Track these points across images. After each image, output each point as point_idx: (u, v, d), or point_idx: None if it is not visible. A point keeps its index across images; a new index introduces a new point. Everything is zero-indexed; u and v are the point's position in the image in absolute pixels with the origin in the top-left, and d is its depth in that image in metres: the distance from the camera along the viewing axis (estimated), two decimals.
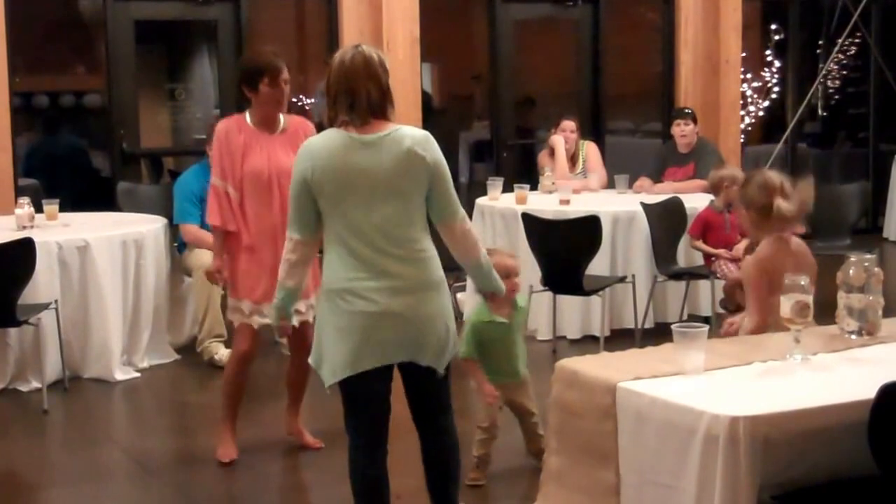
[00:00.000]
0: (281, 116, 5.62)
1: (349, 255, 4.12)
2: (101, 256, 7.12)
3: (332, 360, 4.17)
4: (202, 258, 7.47)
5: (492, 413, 5.31)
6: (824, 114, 14.24)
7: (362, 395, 4.20)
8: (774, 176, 4.67)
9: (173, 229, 7.80)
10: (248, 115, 5.61)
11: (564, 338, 8.00)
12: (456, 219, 4.24)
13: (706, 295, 8.00)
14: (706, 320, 7.84)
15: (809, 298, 3.84)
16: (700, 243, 7.66)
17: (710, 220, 7.64)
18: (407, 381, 4.33)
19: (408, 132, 4.18)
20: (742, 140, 11.83)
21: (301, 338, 5.64)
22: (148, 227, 7.54)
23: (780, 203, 4.51)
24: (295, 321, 5.53)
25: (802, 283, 3.85)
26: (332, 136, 4.17)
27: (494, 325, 5.24)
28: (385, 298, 4.09)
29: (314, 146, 4.18)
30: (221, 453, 5.74)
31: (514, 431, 5.49)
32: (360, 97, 4.13)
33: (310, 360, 4.32)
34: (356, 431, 4.25)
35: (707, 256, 7.70)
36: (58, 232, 7.29)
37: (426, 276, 4.17)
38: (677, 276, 7.80)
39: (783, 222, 4.55)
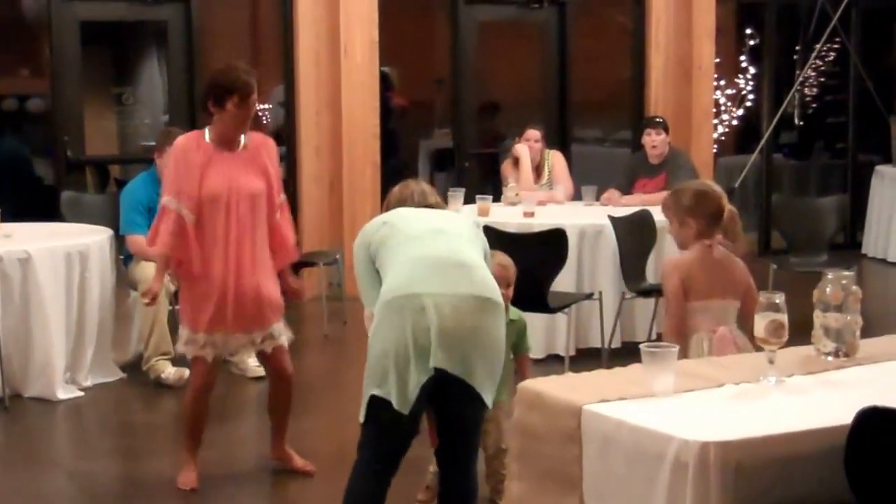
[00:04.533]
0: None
1: None
2: (43, 269, 6.93)
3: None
4: (149, 271, 7.24)
5: None
6: (801, 123, 14.13)
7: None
8: (712, 183, 4.88)
9: (119, 241, 7.59)
10: (207, 132, 5.41)
11: None
12: None
13: None
14: None
15: (784, 317, 3.71)
16: None
17: None
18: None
19: None
20: (715, 150, 11.68)
21: (277, 363, 5.55)
22: (93, 238, 7.33)
23: (730, 209, 4.69)
24: (268, 347, 5.49)
25: (778, 300, 3.72)
26: None
27: None
28: None
29: None
30: (182, 481, 5.56)
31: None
32: None
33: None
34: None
35: None
36: None
37: None
38: (646, 292, 7.57)
39: (723, 229, 4.70)
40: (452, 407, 4.30)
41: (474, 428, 4.38)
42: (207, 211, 5.31)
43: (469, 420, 4.34)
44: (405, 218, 4.49)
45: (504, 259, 5.16)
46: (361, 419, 4.27)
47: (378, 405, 4.18)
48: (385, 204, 4.81)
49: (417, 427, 4.27)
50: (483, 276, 4.31)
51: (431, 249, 4.29)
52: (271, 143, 5.58)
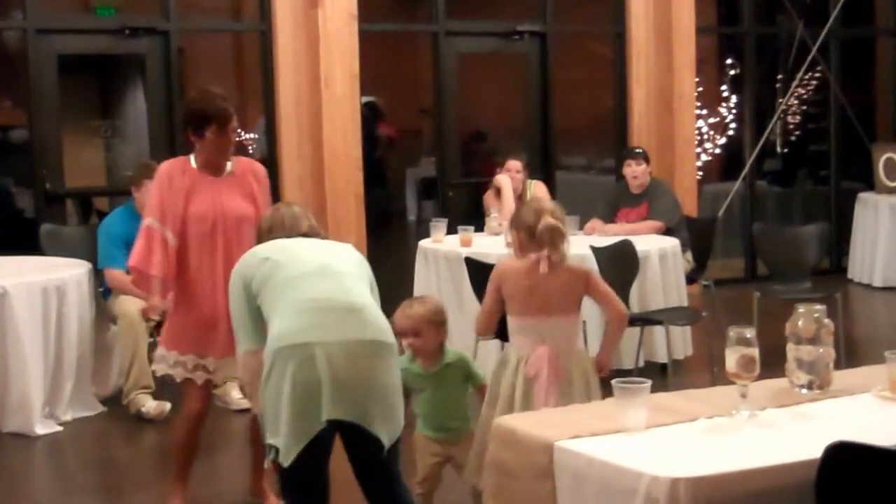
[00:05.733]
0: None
1: None
2: (19, 304, 6.89)
3: None
4: (127, 305, 7.32)
5: (430, 466, 5.03)
6: (784, 150, 14.09)
7: None
8: (547, 202, 5.03)
9: (98, 274, 7.56)
10: (192, 158, 5.37)
11: None
12: None
13: (661, 341, 7.78)
14: (663, 367, 7.64)
15: (755, 352, 3.69)
16: None
17: None
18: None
19: None
20: (699, 178, 11.65)
21: None
22: (70, 272, 7.29)
23: (546, 222, 4.74)
24: (199, 379, 5.40)
25: (748, 335, 3.70)
26: None
27: (412, 374, 4.95)
28: None
29: None
30: None
31: (458, 488, 5.21)
32: None
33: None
34: None
35: None
36: None
37: None
38: (630, 322, 7.48)
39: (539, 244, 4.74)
40: (356, 445, 4.29)
41: (381, 463, 4.33)
42: (193, 234, 5.26)
43: (375, 454, 4.28)
44: (287, 252, 4.41)
45: (419, 308, 5.01)
46: (266, 465, 4.29)
47: (277, 453, 4.19)
48: (257, 233, 4.75)
49: (323, 464, 4.27)
50: (373, 317, 4.26)
51: (318, 291, 4.23)
52: (259, 167, 5.54)
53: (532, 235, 4.78)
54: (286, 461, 4.14)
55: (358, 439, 4.24)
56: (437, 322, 4.98)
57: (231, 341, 5.21)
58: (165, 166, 5.39)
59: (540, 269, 4.74)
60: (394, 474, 4.39)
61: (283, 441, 4.13)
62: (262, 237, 4.66)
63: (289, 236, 4.58)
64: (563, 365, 4.74)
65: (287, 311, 4.19)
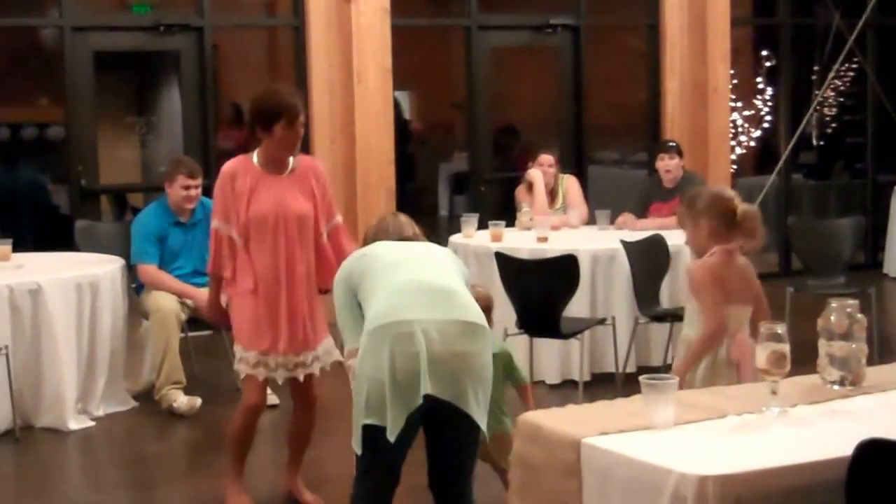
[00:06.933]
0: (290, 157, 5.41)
1: None
2: (53, 300, 6.90)
3: None
4: (160, 300, 7.34)
5: None
6: (820, 143, 14.00)
7: None
8: (726, 187, 4.89)
9: (131, 270, 7.57)
10: (255, 156, 5.39)
11: (543, 382, 7.73)
12: None
13: None
14: None
15: (786, 348, 3.65)
16: None
17: None
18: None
19: None
20: (733, 171, 11.60)
21: (306, 391, 5.50)
22: (104, 268, 7.31)
23: (745, 207, 4.66)
24: (300, 375, 5.40)
25: (779, 331, 3.66)
26: None
27: None
28: None
29: None
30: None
31: (494, 485, 5.14)
32: None
33: None
34: None
35: None
36: (9, 274, 7.07)
37: None
38: (660, 317, 7.49)
39: (740, 230, 4.66)
40: (445, 431, 4.28)
41: (467, 449, 4.35)
42: (256, 233, 5.29)
43: (462, 442, 4.31)
44: (384, 248, 4.48)
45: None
46: (358, 450, 4.23)
47: (371, 433, 4.15)
48: (363, 240, 4.78)
49: (405, 455, 4.24)
50: (467, 300, 4.28)
51: (414, 275, 4.27)
52: (320, 166, 5.57)
53: (729, 221, 4.68)
54: (392, 435, 4.10)
55: (450, 418, 4.20)
56: (482, 308, 4.98)
57: (293, 339, 5.30)
58: (228, 166, 5.41)
59: (737, 258, 4.72)
60: (471, 468, 4.40)
61: (390, 415, 4.09)
62: (366, 244, 4.66)
63: (382, 238, 4.64)
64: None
65: (383, 294, 4.22)
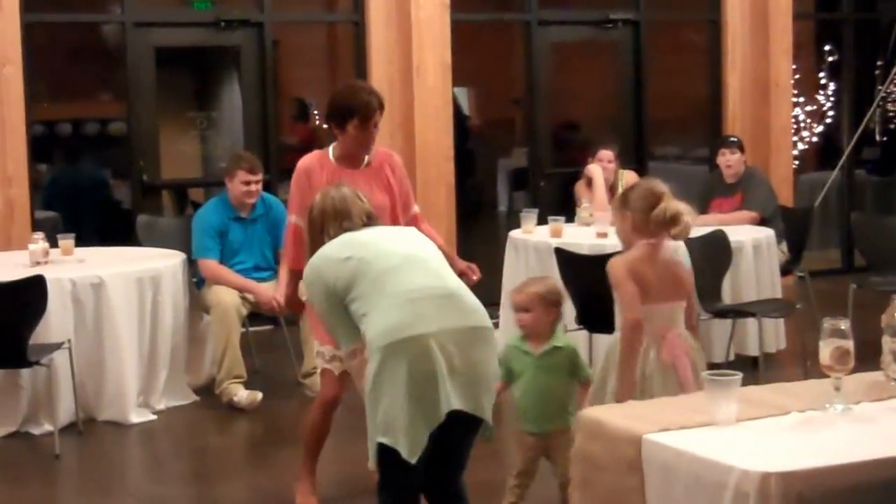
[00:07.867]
0: None
1: None
2: (116, 294, 6.96)
3: None
4: (221, 295, 7.37)
5: (527, 460, 5.00)
6: (884, 139, 13.84)
7: None
8: (660, 182, 4.77)
9: (192, 265, 7.61)
10: (331, 150, 5.42)
11: None
12: None
13: (753, 334, 7.69)
14: (755, 361, 7.55)
15: (850, 344, 3.60)
16: None
17: None
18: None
19: None
20: (795, 167, 11.48)
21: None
22: (165, 262, 7.36)
23: (670, 204, 4.60)
24: (336, 369, 5.37)
25: (843, 327, 3.61)
26: None
27: (519, 352, 4.94)
28: None
29: None
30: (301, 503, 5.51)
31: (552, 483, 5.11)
32: None
33: None
34: None
35: None
36: (72, 268, 7.15)
37: None
38: (722, 313, 7.42)
39: (661, 226, 4.61)
40: (453, 432, 4.19)
41: (469, 447, 4.36)
42: None
43: (469, 443, 4.33)
44: (370, 247, 4.31)
45: (535, 285, 5.08)
46: (372, 466, 4.19)
47: (386, 453, 4.09)
48: (310, 222, 4.58)
49: (423, 461, 4.17)
50: (471, 301, 4.25)
51: (413, 282, 4.18)
52: (396, 158, 5.59)
53: (649, 215, 4.64)
54: (413, 456, 4.06)
55: (461, 426, 4.19)
56: (550, 301, 4.97)
57: None
58: (304, 162, 5.44)
59: (661, 253, 4.70)
60: (466, 461, 4.40)
61: (408, 435, 4.04)
62: (314, 224, 4.54)
63: (348, 226, 4.47)
64: (688, 350, 4.60)
65: (386, 305, 4.12)
